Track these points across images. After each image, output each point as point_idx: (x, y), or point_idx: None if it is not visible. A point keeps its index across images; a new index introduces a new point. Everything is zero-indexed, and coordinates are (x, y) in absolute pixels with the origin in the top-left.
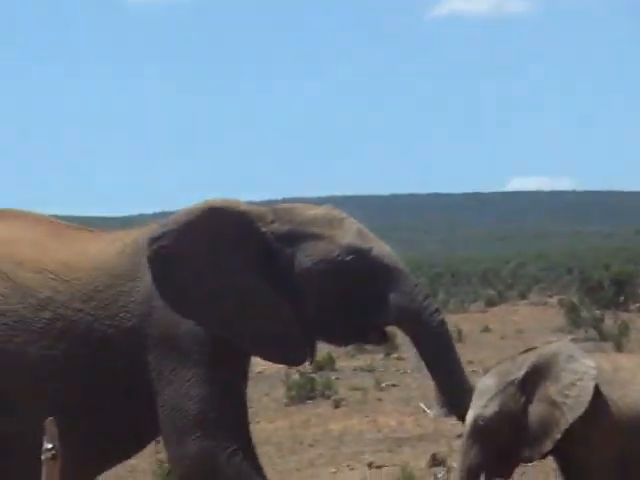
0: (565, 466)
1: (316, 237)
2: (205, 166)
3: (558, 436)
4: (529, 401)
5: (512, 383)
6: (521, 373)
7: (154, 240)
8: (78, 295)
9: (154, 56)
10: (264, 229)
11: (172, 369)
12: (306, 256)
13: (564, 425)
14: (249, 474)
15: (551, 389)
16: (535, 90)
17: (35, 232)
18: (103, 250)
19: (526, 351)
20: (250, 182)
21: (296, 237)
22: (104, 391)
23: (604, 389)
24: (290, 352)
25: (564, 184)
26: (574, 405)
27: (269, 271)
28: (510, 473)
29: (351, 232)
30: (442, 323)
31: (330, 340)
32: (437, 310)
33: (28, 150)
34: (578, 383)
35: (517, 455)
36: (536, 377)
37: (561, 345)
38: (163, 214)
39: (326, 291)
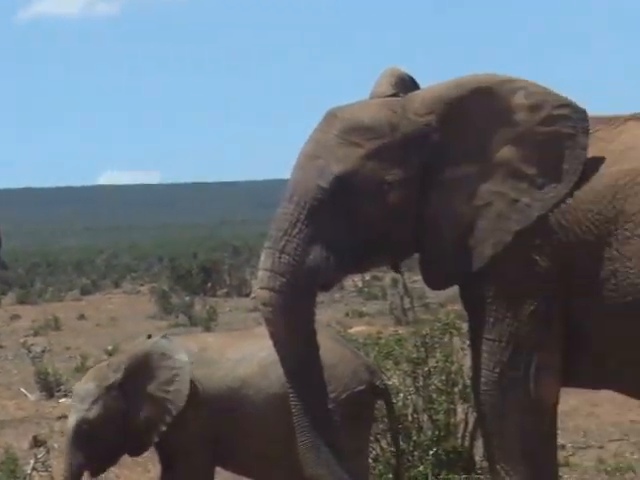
0: (161, 452)
1: None
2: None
3: (164, 428)
4: (132, 402)
5: (112, 386)
6: (119, 376)
7: None
8: None
9: None
10: None
11: None
12: None
13: (169, 418)
14: None
15: (150, 387)
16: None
17: None
18: None
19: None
20: None
21: None
22: None
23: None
24: None
25: (152, 178)
26: (175, 399)
27: None
28: (113, 464)
29: None
30: None
31: None
32: None
33: None
34: (176, 379)
35: (123, 451)
36: (134, 378)
37: (152, 344)
38: None
39: None
